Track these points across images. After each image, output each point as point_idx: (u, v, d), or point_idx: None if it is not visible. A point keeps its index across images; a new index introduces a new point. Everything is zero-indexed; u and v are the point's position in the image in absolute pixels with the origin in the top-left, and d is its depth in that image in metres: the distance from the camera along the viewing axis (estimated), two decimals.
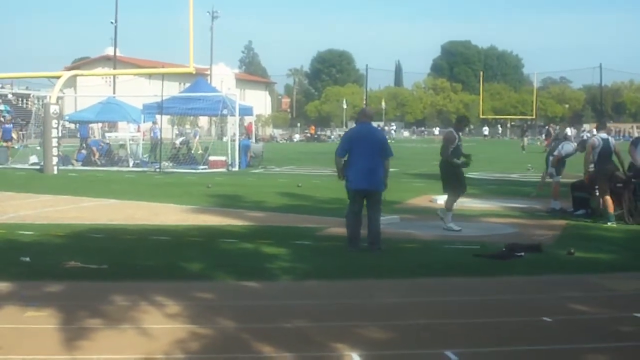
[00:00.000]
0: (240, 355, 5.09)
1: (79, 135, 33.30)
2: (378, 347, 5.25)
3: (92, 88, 53.84)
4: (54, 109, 23.96)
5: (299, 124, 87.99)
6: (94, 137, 37.87)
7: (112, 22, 58.11)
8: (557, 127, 30.20)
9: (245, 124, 38.78)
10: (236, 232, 10.67)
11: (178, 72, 41.33)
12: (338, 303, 6.64)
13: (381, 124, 78.84)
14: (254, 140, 34.51)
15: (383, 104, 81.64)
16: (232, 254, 9.04)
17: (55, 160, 23.40)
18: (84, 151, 28.11)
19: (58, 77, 27.92)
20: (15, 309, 6.13)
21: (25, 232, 10.27)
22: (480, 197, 15.73)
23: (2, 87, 56.18)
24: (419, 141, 71.10)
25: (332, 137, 70.52)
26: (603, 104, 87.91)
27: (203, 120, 55.95)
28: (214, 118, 33.41)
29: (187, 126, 46.64)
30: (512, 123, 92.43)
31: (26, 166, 26.05)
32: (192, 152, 29.70)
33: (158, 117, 27.61)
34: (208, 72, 68.39)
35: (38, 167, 24.80)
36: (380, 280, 7.63)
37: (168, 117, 31.82)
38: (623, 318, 6.17)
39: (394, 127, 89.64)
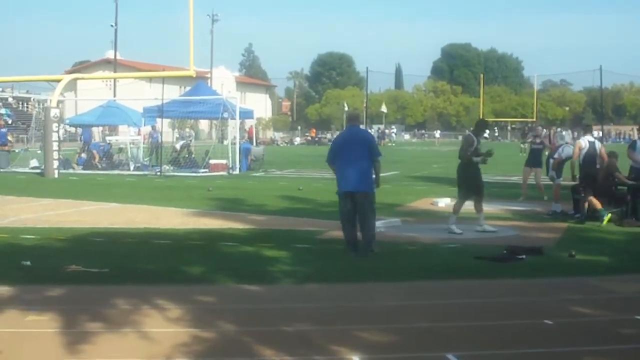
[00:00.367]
0: (241, 358, 5.09)
1: (81, 139, 33.28)
2: (379, 350, 5.25)
3: (93, 91, 54.01)
4: (54, 112, 23.97)
5: (299, 127, 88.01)
6: (94, 140, 37.85)
7: (112, 25, 58.28)
8: (544, 129, 30.17)
9: (247, 128, 38.79)
10: (237, 235, 10.67)
11: (178, 76, 41.29)
12: (339, 306, 6.64)
13: (381, 126, 78.88)
14: (254, 143, 34.49)
15: (383, 107, 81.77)
16: (233, 257, 9.05)
17: (55, 163, 23.36)
18: (84, 155, 28.09)
19: (58, 81, 27.93)
20: (16, 313, 6.13)
21: (26, 236, 10.27)
22: None
23: (2, 91, 56.20)
24: (419, 144, 71.13)
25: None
26: (603, 106, 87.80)
27: (204, 124, 55.97)
28: (214, 121, 33.40)
29: (187, 129, 46.66)
30: (513, 126, 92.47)
31: (27, 170, 26.03)
32: (194, 155, 29.67)
33: (158, 121, 27.59)
34: (208, 75, 68.39)
35: (39, 170, 24.79)
36: (381, 283, 7.63)
37: (168, 120, 31.80)
38: (624, 320, 6.17)
39: (395, 130, 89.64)
